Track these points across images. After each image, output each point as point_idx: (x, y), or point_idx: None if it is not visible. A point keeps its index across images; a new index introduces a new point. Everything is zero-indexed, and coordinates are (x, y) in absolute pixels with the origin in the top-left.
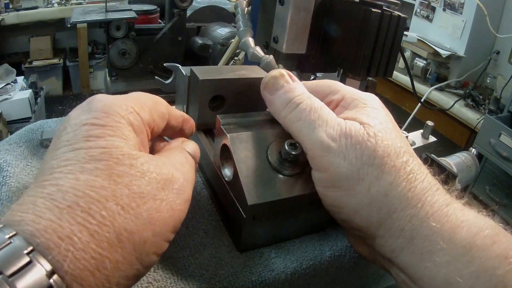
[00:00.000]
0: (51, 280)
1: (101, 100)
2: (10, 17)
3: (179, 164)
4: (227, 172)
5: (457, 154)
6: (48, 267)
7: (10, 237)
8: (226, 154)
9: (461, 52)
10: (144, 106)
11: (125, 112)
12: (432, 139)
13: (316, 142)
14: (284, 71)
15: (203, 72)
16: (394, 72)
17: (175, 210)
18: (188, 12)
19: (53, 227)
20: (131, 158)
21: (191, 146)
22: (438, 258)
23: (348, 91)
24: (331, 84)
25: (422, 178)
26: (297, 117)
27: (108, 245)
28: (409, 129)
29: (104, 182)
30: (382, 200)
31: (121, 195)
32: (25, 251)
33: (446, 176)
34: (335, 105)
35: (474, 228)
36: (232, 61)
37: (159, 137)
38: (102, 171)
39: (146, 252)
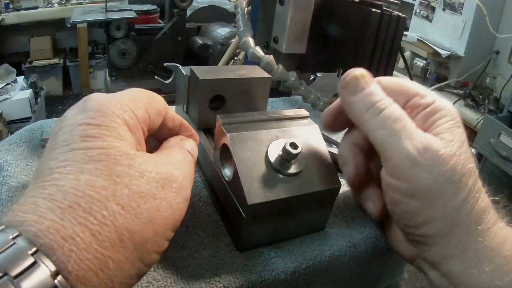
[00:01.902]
0: (56, 281)
1: (96, 99)
2: (10, 17)
3: (178, 162)
4: (227, 172)
5: None
6: (53, 267)
7: (13, 238)
8: (226, 154)
9: (460, 52)
10: (140, 103)
11: (120, 111)
12: None
13: (402, 153)
14: (365, 72)
15: (203, 72)
16: (394, 72)
17: (175, 208)
18: (188, 12)
19: (56, 227)
20: (129, 158)
21: (190, 144)
22: (485, 267)
23: (436, 97)
24: (416, 85)
25: (483, 197)
26: (380, 125)
27: (110, 245)
28: None
29: (104, 182)
30: (454, 215)
31: (121, 195)
32: (29, 252)
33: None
34: (422, 109)
35: None
36: (232, 61)
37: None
38: (101, 171)
39: (147, 251)
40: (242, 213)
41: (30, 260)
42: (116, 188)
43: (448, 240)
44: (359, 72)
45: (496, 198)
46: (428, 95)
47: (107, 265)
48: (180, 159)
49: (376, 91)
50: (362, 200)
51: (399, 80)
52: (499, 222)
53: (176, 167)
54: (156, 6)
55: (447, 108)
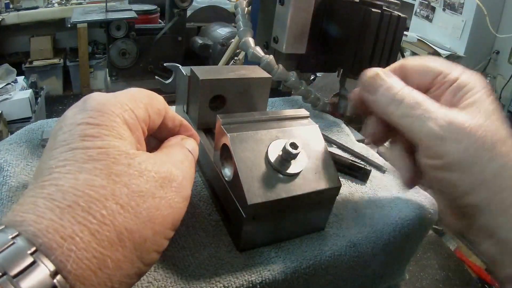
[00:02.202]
0: (55, 280)
1: (95, 98)
2: (11, 17)
3: (179, 161)
4: (227, 171)
5: None
6: (52, 267)
7: (13, 238)
8: (226, 153)
9: (461, 52)
10: (139, 102)
11: (119, 110)
12: None
13: (429, 133)
14: (379, 70)
15: (203, 72)
16: None
17: (174, 208)
18: (188, 12)
19: (55, 227)
20: (128, 158)
21: (191, 143)
22: None
23: (460, 72)
24: (440, 63)
25: None
26: (405, 113)
27: (109, 244)
28: None
29: (103, 181)
30: (493, 181)
31: (120, 194)
32: (29, 252)
33: None
34: (448, 86)
35: None
36: (232, 61)
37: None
38: (100, 171)
39: (147, 250)
40: (242, 213)
41: (29, 259)
42: (115, 187)
43: (495, 206)
44: (372, 72)
45: None
46: (452, 72)
47: (106, 264)
48: (180, 158)
49: (393, 84)
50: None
51: (423, 60)
52: None
53: (176, 166)
54: (156, 6)
55: (472, 82)
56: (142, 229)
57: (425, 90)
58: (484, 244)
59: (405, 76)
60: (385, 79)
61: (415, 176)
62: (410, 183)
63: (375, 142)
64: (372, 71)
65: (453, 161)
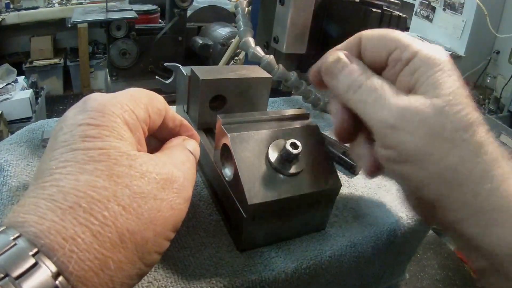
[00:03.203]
0: (57, 282)
1: (96, 99)
2: (11, 17)
3: (180, 163)
4: (227, 171)
5: None
6: (54, 268)
7: (14, 239)
8: (226, 153)
9: (461, 52)
10: (140, 103)
11: (120, 111)
12: None
13: (381, 121)
14: (341, 54)
15: (203, 72)
16: None
17: (176, 209)
18: (189, 12)
19: (57, 228)
20: (130, 159)
21: (192, 144)
22: (505, 228)
23: (418, 48)
24: (397, 37)
25: (491, 150)
26: (360, 99)
27: (111, 246)
28: None
29: (105, 182)
30: (451, 174)
31: (122, 196)
32: (30, 253)
33: None
34: (404, 64)
35: None
36: (232, 61)
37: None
38: (102, 172)
39: (148, 251)
40: (243, 213)
41: (31, 261)
42: (117, 188)
43: (452, 202)
44: (334, 56)
45: None
46: (409, 47)
47: (107, 265)
48: (181, 159)
49: (354, 70)
50: (354, 157)
51: (380, 33)
52: None
53: (177, 167)
54: (156, 6)
55: (432, 59)
56: (143, 230)
57: (381, 67)
58: (450, 236)
59: (362, 50)
60: (346, 64)
61: (376, 165)
62: (371, 173)
63: (343, 137)
64: (334, 56)
65: (406, 153)
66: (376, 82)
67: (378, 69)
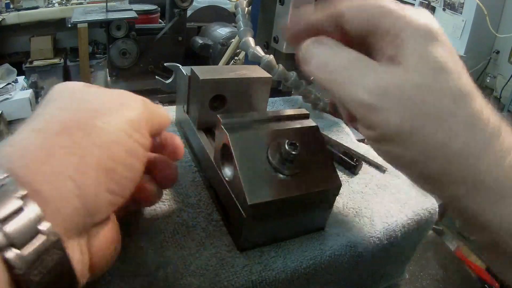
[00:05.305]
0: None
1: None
2: (11, 17)
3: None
4: (227, 171)
5: None
6: (38, 210)
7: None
8: (226, 153)
9: (461, 51)
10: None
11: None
12: None
13: (357, 102)
14: (314, 38)
15: (203, 72)
16: None
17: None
18: (189, 12)
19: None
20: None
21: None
22: (508, 204)
23: (401, 14)
24: (378, 4)
25: (485, 123)
26: (332, 79)
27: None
28: None
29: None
30: (443, 152)
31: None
32: (15, 195)
33: None
34: (385, 35)
35: None
36: (232, 61)
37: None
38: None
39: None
40: (243, 213)
41: (17, 203)
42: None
43: (449, 179)
44: (308, 41)
45: None
46: (391, 14)
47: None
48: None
49: (327, 49)
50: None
51: (361, 3)
52: None
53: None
54: (156, 6)
55: (416, 26)
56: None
57: (361, 37)
58: (451, 211)
59: (342, 21)
60: (320, 44)
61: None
62: (350, 122)
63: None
64: (308, 41)
65: (389, 133)
66: (353, 57)
67: (359, 39)
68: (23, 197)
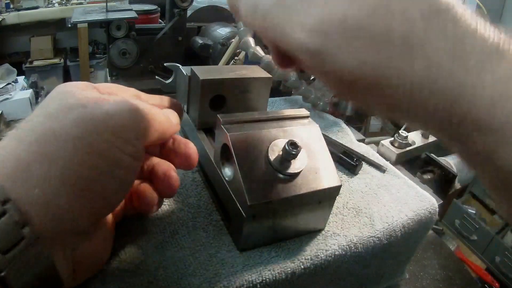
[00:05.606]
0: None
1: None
2: (11, 17)
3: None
4: (227, 171)
5: None
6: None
7: None
8: (226, 153)
9: None
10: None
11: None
12: (432, 139)
13: (300, 48)
14: None
15: (203, 72)
16: None
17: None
18: (189, 12)
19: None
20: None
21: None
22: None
23: None
24: None
25: (480, 43)
26: (264, 21)
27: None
28: (409, 129)
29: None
30: (426, 89)
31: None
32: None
33: (446, 176)
34: None
35: None
36: (232, 61)
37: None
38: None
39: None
40: (243, 213)
41: None
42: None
43: (443, 119)
44: None
45: None
46: None
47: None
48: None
49: None
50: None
51: None
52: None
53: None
54: (156, 6)
55: None
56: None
57: None
58: (455, 152)
59: None
60: None
61: (285, 60)
62: (281, 67)
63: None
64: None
65: (351, 81)
66: None
67: None
68: (4, 202)
